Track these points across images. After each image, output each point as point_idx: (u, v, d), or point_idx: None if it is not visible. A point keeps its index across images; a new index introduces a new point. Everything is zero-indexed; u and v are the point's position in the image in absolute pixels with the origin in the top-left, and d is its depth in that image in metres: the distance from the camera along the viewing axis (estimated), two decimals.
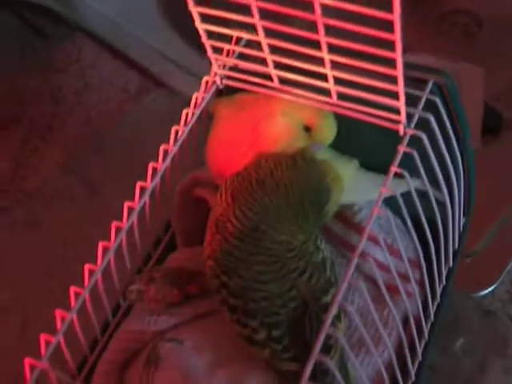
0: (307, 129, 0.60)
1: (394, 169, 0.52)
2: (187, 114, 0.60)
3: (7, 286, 0.81)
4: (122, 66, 1.02)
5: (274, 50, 0.55)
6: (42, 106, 0.99)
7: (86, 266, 0.52)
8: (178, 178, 0.66)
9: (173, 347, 0.59)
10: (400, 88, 0.50)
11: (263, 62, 0.56)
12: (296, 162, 0.56)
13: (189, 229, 0.69)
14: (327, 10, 0.47)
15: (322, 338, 0.46)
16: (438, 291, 0.64)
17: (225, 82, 0.61)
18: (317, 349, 0.45)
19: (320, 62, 0.52)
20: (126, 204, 0.55)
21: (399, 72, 0.48)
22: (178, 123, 0.61)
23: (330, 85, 0.54)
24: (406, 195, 0.54)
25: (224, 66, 0.61)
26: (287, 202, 0.55)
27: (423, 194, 0.57)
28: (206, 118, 0.64)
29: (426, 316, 0.63)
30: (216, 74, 0.61)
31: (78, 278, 0.55)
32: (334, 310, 0.47)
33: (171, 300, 0.61)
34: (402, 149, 0.53)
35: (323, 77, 0.54)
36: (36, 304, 0.78)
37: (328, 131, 0.60)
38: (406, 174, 0.52)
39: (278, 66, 0.56)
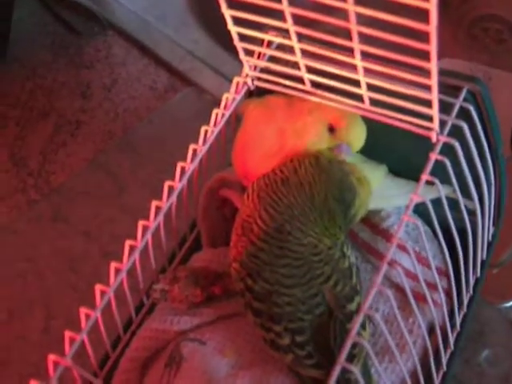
0: (332, 130, 0.59)
1: (425, 177, 0.51)
2: (217, 115, 0.60)
3: (34, 280, 0.81)
4: (150, 64, 1.01)
5: (306, 53, 0.54)
6: (71, 102, 0.99)
7: (112, 264, 0.51)
8: (204, 178, 0.66)
9: (195, 347, 0.59)
10: (434, 96, 0.49)
11: (295, 64, 0.56)
12: (319, 161, 0.56)
13: (214, 229, 0.69)
14: (360, 17, 0.46)
15: (347, 347, 0.45)
16: (465, 301, 0.63)
17: (256, 83, 0.60)
18: (342, 357, 0.44)
19: (353, 67, 0.52)
20: (154, 203, 0.54)
21: (433, 81, 0.47)
22: (206, 122, 0.61)
23: (363, 91, 0.53)
24: (435, 203, 0.54)
25: (255, 68, 0.60)
26: (311, 201, 0.55)
27: (453, 203, 0.57)
28: (235, 119, 0.64)
29: (452, 326, 0.62)
30: (247, 75, 0.60)
31: (101, 275, 0.55)
32: (359, 320, 0.46)
33: (194, 300, 0.61)
34: (434, 156, 0.52)
35: (356, 82, 0.53)
36: (60, 299, 0.78)
37: (357, 139, 0.59)
38: (438, 182, 0.51)
39: (310, 69, 0.55)
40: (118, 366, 0.61)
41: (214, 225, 0.69)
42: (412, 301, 0.52)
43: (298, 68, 0.55)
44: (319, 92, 0.56)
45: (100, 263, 0.78)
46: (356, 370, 0.45)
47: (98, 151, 0.92)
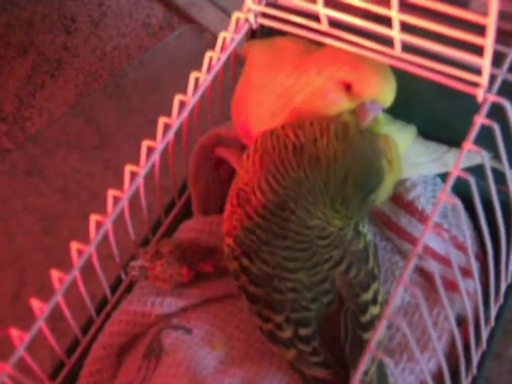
0: (348, 87, 0.48)
1: (468, 145, 0.41)
2: (211, 59, 0.49)
3: (3, 241, 0.73)
4: None
5: None
6: (53, 37, 0.90)
7: (73, 245, 0.42)
8: (197, 134, 0.57)
9: (179, 337, 0.52)
10: (489, 41, 0.40)
11: None
12: (348, 132, 0.46)
13: (207, 193, 0.61)
14: None
15: (364, 362, 0.36)
16: (502, 291, 0.53)
17: (259, 20, 0.51)
18: (358, 376, 0.35)
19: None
20: (128, 168, 0.44)
21: (491, 18, 0.37)
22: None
23: (395, 32, 0.43)
24: (471, 171, 0.43)
25: (260, 1, 0.50)
26: (325, 182, 0.45)
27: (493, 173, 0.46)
28: (235, 63, 0.55)
29: (486, 320, 0.52)
30: (249, 10, 0.49)
31: (79, 238, 0.47)
32: (380, 330, 0.37)
33: (179, 279, 0.53)
34: (480, 120, 0.42)
35: (386, 21, 0.43)
36: (32, 264, 0.71)
37: (384, 92, 0.48)
38: (484, 153, 0.41)
39: (328, 3, 0.45)
40: (89, 354, 0.53)
41: (207, 188, 0.61)
42: (440, 288, 0.42)
43: (314, 2, 0.45)
44: (338, 33, 0.45)
45: (78, 224, 0.70)
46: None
47: (80, 95, 0.84)
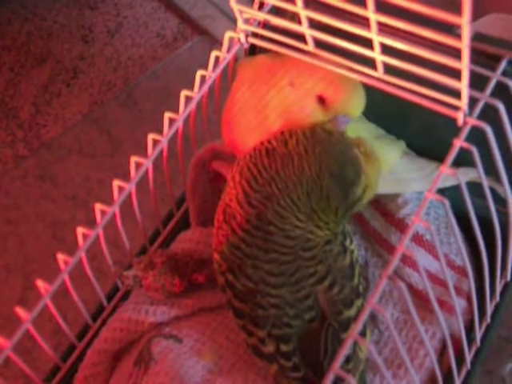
0: (322, 101, 0.49)
1: (445, 169, 0.41)
2: (203, 77, 0.50)
3: (14, 245, 0.74)
4: (160, 8, 0.92)
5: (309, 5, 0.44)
6: (70, 46, 0.91)
7: (59, 257, 0.43)
8: (194, 148, 0.58)
9: (168, 346, 0.52)
10: (464, 64, 0.39)
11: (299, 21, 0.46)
12: (315, 132, 0.47)
13: (205, 206, 0.61)
14: None
15: (331, 377, 0.36)
16: (489, 310, 0.53)
17: (250, 40, 0.51)
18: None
19: (363, 23, 0.42)
20: (115, 183, 0.46)
21: (464, 43, 0.37)
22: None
23: (376, 53, 0.43)
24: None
25: (253, 22, 0.50)
26: (299, 175, 0.45)
27: (482, 189, 0.46)
28: (232, 81, 0.54)
29: (471, 339, 0.52)
30: (241, 29, 0.50)
31: None
32: (349, 345, 0.38)
33: (172, 289, 0.54)
34: (459, 143, 0.42)
35: (367, 43, 0.43)
36: (40, 268, 0.72)
37: (355, 106, 0.49)
38: (461, 177, 0.41)
39: (314, 26, 0.45)
40: (84, 359, 0.54)
41: (204, 200, 0.61)
42: (412, 310, 0.42)
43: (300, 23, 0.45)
44: (323, 54, 0.46)
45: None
46: None
47: (94, 104, 0.84)
